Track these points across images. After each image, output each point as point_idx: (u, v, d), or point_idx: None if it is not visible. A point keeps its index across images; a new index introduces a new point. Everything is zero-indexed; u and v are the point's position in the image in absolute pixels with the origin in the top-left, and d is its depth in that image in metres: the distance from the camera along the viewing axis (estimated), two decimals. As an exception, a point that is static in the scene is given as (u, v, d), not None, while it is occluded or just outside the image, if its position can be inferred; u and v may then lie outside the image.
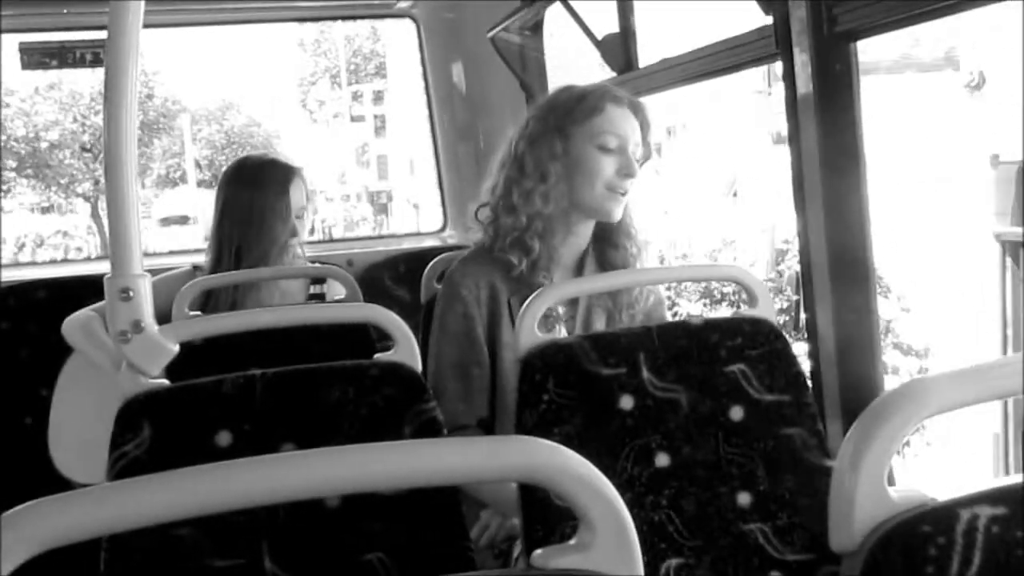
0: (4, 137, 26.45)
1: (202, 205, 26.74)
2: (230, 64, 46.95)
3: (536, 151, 2.10)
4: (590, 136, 2.07)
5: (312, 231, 2.80)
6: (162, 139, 29.96)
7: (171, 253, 4.22)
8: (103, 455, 1.54)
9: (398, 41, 29.27)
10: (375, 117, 35.18)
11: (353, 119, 35.13)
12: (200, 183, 28.70)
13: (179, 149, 30.08)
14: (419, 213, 28.06)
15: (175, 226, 28.11)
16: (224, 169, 2.81)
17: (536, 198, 2.09)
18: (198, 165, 29.64)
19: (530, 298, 1.80)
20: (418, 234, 4.41)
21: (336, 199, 33.19)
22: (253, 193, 2.64)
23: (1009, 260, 10.30)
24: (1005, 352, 10.38)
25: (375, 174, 34.55)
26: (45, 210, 28.55)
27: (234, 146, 29.57)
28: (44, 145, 27.28)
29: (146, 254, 3.16)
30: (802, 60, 1.93)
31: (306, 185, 2.73)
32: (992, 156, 10.40)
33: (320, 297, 2.78)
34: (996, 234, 10.33)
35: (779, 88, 2.05)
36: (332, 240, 6.19)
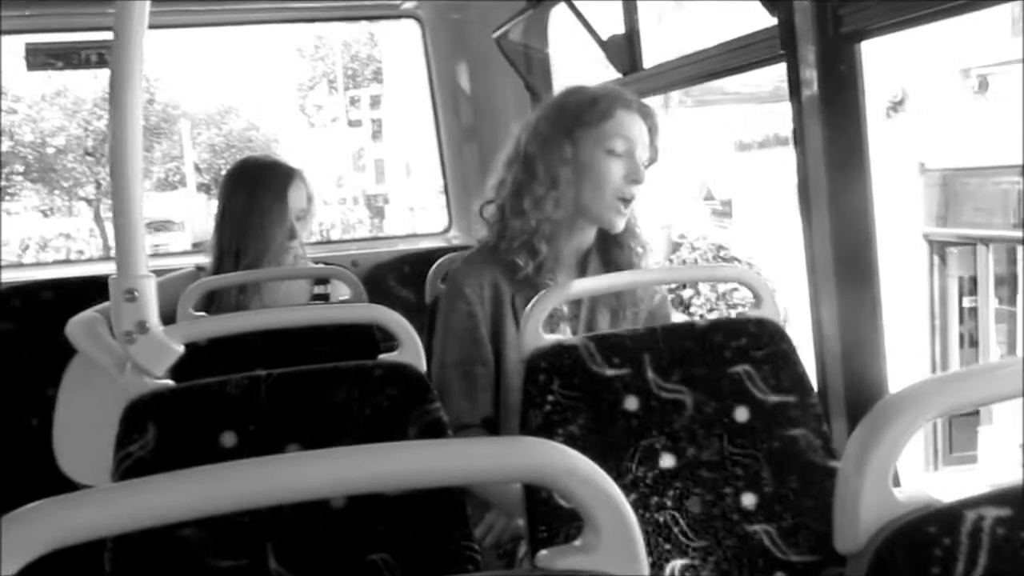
0: (12, 143, 26.63)
1: (191, 209, 26.43)
2: (229, 69, 47.15)
3: (547, 155, 2.10)
4: (599, 140, 2.07)
5: (310, 234, 2.80)
6: (162, 143, 30.04)
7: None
8: (108, 456, 1.54)
9: (395, 46, 29.31)
10: (372, 121, 35.25)
11: (351, 123, 35.19)
12: (200, 187, 28.72)
13: (178, 153, 30.14)
14: (414, 216, 28.08)
15: (159, 232, 26.60)
16: (226, 171, 2.82)
17: (547, 204, 2.09)
18: (197, 169, 29.66)
19: (535, 299, 1.80)
20: (423, 235, 4.41)
21: (333, 203, 33.21)
22: (252, 195, 2.64)
23: (936, 258, 11.15)
24: (933, 336, 11.24)
25: (372, 178, 34.62)
26: (45, 214, 28.66)
27: (233, 149, 29.63)
28: (50, 151, 27.43)
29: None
30: (807, 61, 1.93)
31: (308, 187, 2.73)
32: (919, 164, 10.82)
33: (324, 298, 2.78)
34: (925, 234, 11.13)
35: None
36: (337, 241, 6.19)
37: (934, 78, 11.51)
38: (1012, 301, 10.89)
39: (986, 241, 10.87)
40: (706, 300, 10.85)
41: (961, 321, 11.46)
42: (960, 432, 10.69)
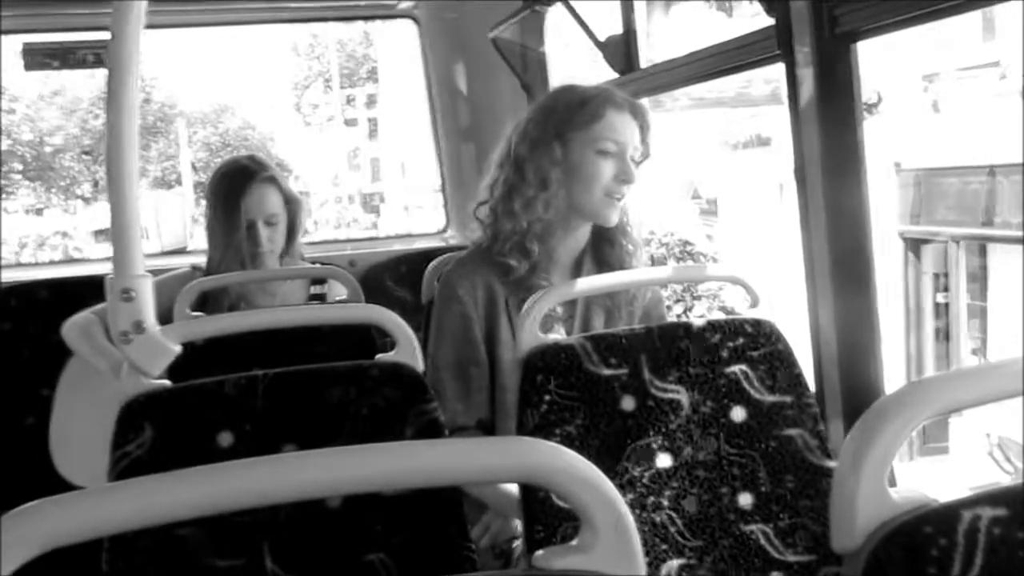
0: (10, 142, 26.65)
1: (162, 211, 25.94)
2: (225, 68, 47.17)
3: (536, 157, 2.10)
4: (589, 141, 2.07)
5: (281, 235, 2.75)
6: (159, 142, 30.05)
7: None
8: (104, 456, 1.54)
9: (390, 45, 29.30)
10: (368, 120, 35.21)
11: (346, 122, 35.15)
12: (197, 185, 28.71)
13: (175, 152, 30.13)
14: (409, 215, 28.04)
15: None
16: None
17: (538, 205, 2.09)
18: (194, 168, 29.63)
19: (531, 299, 1.80)
20: (420, 235, 4.40)
21: (329, 201, 33.20)
22: (213, 200, 2.66)
23: (911, 254, 11.54)
24: (908, 330, 11.51)
25: (368, 177, 34.61)
26: (40, 212, 28.66)
27: (229, 148, 29.62)
28: (48, 150, 27.48)
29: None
30: (804, 61, 1.93)
31: (283, 189, 2.69)
32: (895, 164, 11.17)
33: (321, 298, 2.77)
34: (900, 232, 11.43)
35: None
36: (334, 241, 6.19)
37: (907, 81, 11.79)
38: (983, 296, 11.13)
39: (957, 239, 11.16)
40: (672, 292, 11.04)
41: (936, 316, 11.75)
42: (933, 424, 10.89)
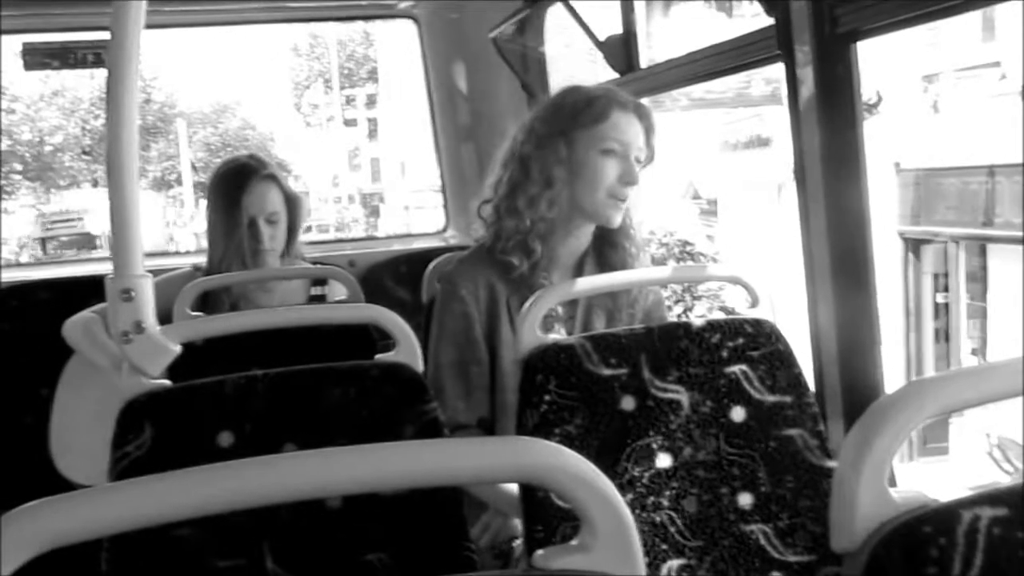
0: (10, 142, 26.69)
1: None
2: (225, 68, 47.31)
3: (541, 155, 2.10)
4: (594, 141, 2.07)
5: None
6: (159, 142, 30.09)
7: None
8: (104, 456, 1.54)
9: (391, 45, 29.32)
10: (368, 120, 35.22)
11: (346, 123, 35.17)
12: (197, 185, 28.74)
13: (175, 152, 30.17)
14: (409, 215, 28.05)
15: (71, 250, 20.92)
16: None
17: (542, 204, 2.09)
18: (194, 168, 29.64)
19: (531, 299, 1.80)
20: (419, 235, 4.40)
21: (329, 201, 33.23)
22: (214, 199, 2.66)
23: (911, 255, 11.65)
24: (908, 331, 11.58)
25: (368, 177, 34.63)
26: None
27: (229, 148, 29.64)
28: (48, 149, 27.52)
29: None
30: (804, 61, 1.93)
31: (282, 187, 2.69)
32: (895, 164, 11.17)
33: (321, 299, 2.77)
34: (900, 232, 11.52)
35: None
36: (334, 241, 6.19)
37: (907, 81, 11.83)
38: (983, 297, 11.17)
39: (957, 239, 11.23)
40: (672, 292, 11.09)
41: (936, 316, 11.82)
42: (933, 424, 10.93)
